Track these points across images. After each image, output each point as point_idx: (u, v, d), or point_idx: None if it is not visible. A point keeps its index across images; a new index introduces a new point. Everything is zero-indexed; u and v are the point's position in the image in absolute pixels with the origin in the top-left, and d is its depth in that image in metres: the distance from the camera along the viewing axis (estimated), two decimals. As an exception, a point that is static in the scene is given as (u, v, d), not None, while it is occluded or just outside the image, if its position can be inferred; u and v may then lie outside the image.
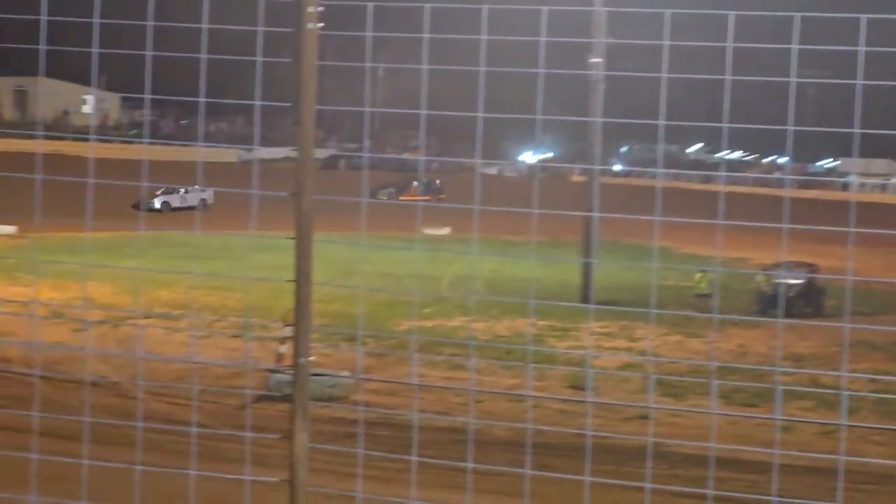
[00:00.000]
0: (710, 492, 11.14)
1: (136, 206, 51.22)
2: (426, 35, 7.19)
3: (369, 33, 7.20)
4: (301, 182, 6.78)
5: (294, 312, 6.86)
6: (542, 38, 7.26)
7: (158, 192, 70.89)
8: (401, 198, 73.70)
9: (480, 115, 7.59)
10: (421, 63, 8.56)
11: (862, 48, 7.67)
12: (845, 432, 20.67)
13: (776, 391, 24.84)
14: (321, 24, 6.64)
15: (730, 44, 7.57)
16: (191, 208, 69.39)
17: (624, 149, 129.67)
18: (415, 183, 77.52)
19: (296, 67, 6.66)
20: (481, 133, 7.65)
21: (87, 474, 7.92)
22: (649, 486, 9.08)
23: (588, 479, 9.08)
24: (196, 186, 69.70)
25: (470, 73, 8.15)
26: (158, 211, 69.07)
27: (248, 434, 13.48)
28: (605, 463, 20.25)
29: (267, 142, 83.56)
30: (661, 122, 8.05)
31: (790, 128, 8.36)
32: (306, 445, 6.72)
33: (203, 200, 70.04)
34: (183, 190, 72.37)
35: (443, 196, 71.06)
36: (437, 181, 77.33)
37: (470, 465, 9.81)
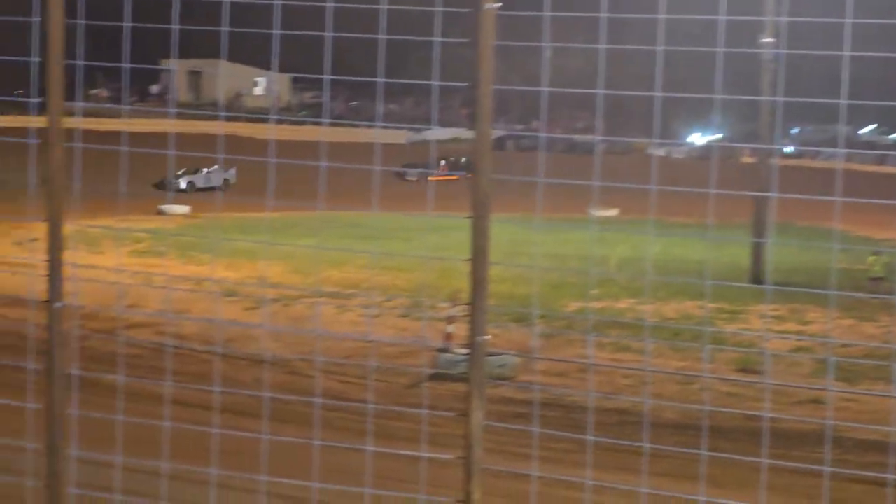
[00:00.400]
0: (892, 476, 10.93)
1: (158, 186, 50.39)
2: (604, 15, 7.17)
3: (547, 13, 7.19)
4: (478, 162, 6.81)
5: (470, 291, 6.90)
6: (721, 17, 7.19)
7: (180, 173, 69.79)
8: (429, 178, 71.12)
9: (658, 94, 7.54)
10: (586, 42, 8.53)
11: None
12: None
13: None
14: (498, 4, 6.65)
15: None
16: (213, 188, 68.10)
17: (795, 130, 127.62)
18: (442, 162, 74.75)
19: (473, 48, 6.68)
20: (660, 113, 7.59)
21: (267, 449, 8.08)
22: (828, 469, 8.94)
23: (766, 461, 8.98)
24: (215, 166, 68.91)
25: (635, 52, 8.10)
26: (184, 191, 68.14)
27: (424, 412, 13.59)
28: (776, 447, 19.96)
29: (434, 123, 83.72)
30: (843, 101, 7.91)
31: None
32: (482, 423, 6.76)
33: (226, 180, 69.24)
34: (206, 170, 71.45)
35: (471, 175, 67.67)
36: (463, 159, 74.64)
37: (646, 445, 9.76)
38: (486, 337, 6.80)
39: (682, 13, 8.00)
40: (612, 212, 51.89)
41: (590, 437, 9.17)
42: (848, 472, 16.56)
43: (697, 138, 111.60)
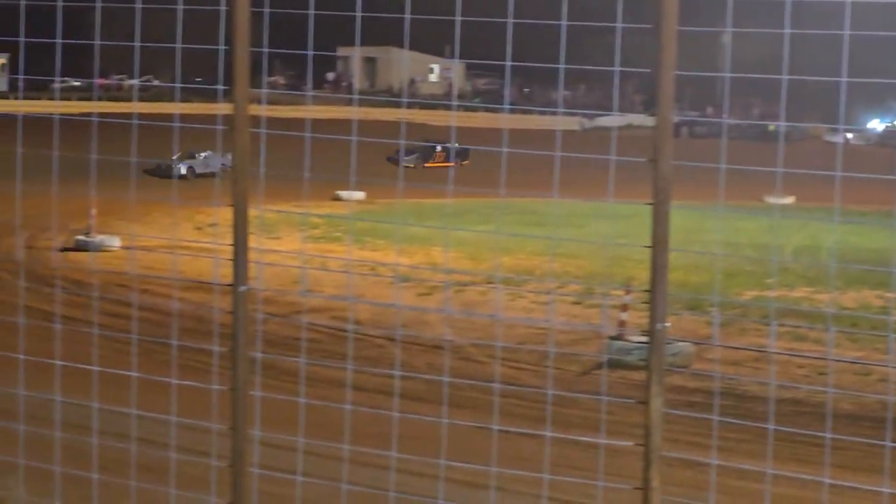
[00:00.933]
0: None
1: (152, 172, 46.14)
2: (789, -1, 7.07)
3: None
4: (659, 147, 6.76)
5: (651, 278, 6.86)
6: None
7: (176, 157, 64.81)
8: (426, 164, 68.37)
9: (844, 79, 7.41)
10: (760, 26, 8.40)
11: None
12: None
13: None
14: (683, -10, 6.59)
15: None
16: (212, 174, 64.11)
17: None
18: (438, 147, 69.89)
19: (654, 33, 6.64)
20: (841, 100, 7.46)
21: (445, 434, 8.13)
22: None
23: None
24: (209, 152, 65.10)
25: (811, 37, 7.99)
26: (185, 177, 64.96)
27: (603, 398, 13.54)
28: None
29: (604, 110, 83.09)
30: None
31: None
32: (661, 411, 6.73)
33: (223, 166, 65.35)
34: (202, 155, 67.78)
35: (466, 162, 59.85)
36: (456, 144, 68.11)
37: (828, 436, 9.61)
38: (666, 324, 6.77)
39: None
40: (789, 199, 51.08)
41: (771, 427, 9.05)
42: None
43: (876, 124, 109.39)
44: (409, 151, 63.82)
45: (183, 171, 65.57)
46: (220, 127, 6.84)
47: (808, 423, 18.57)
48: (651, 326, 6.75)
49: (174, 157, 66.28)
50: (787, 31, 7.33)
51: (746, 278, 35.87)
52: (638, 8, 8.21)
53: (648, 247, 6.83)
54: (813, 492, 13.27)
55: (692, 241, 31.79)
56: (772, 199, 51.19)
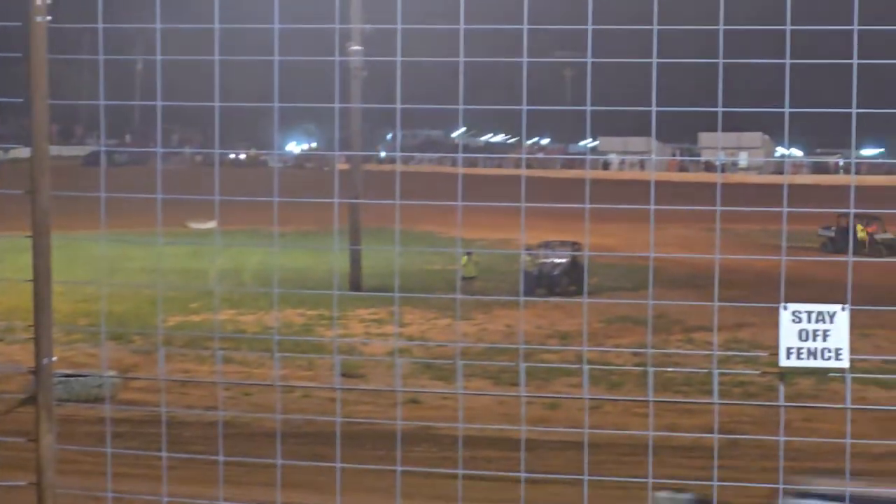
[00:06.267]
0: (462, 471, 11.25)
1: None
2: (216, 26, 7.02)
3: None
4: (37, 179, 6.57)
5: (34, 312, 6.65)
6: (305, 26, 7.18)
7: None
8: None
9: (276, 104, 7.43)
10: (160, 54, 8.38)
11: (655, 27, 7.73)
12: (653, 407, 21.05)
13: (532, 370, 25.35)
14: None
15: (525, 26, 7.61)
16: None
17: (389, 136, 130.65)
18: None
19: (25, 61, 6.46)
20: (276, 125, 7.54)
21: None
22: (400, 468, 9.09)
23: (340, 465, 9.05)
24: None
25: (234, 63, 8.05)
26: None
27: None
28: (378, 448, 20.32)
29: None
30: (461, 106, 8.04)
31: (552, 108, 8.44)
32: (53, 447, 6.54)
33: None
34: None
35: None
36: None
37: (267, 459, 9.72)
38: (52, 358, 6.56)
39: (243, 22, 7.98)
40: (210, 224, 51.82)
41: (166, 454, 9.06)
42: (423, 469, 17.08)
43: (293, 147, 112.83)
44: None
45: None
46: None
47: (234, 445, 18.81)
48: (37, 361, 6.55)
49: None
50: (217, 57, 7.31)
51: (171, 304, 36.05)
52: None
53: (30, 281, 6.62)
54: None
55: (117, 269, 31.56)
56: (194, 225, 51.72)
